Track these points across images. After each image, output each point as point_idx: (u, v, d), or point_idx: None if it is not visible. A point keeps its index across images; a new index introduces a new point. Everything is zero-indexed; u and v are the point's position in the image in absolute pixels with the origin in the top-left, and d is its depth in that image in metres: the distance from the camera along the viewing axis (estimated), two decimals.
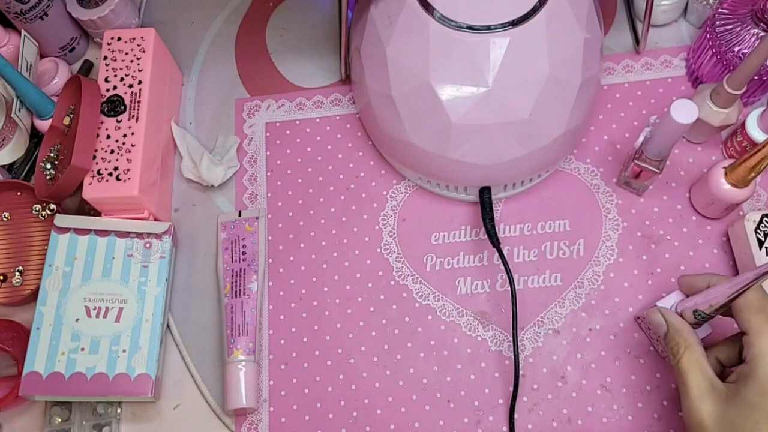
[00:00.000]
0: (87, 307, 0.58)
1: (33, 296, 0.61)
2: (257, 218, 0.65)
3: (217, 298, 0.64)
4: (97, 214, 0.63)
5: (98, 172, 0.60)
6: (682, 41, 0.70)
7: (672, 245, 0.62)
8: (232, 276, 0.62)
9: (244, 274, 0.62)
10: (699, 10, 0.68)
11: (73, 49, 0.73)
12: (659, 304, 0.54)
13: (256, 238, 0.64)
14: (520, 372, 0.59)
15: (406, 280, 0.63)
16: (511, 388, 0.58)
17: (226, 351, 0.59)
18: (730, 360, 0.50)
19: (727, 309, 0.49)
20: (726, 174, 0.58)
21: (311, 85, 0.72)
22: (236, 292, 0.61)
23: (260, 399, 0.60)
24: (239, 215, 0.65)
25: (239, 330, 0.60)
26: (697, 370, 0.48)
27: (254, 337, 0.60)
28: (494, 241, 0.59)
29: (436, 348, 0.61)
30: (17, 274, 0.63)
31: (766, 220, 0.57)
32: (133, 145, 0.61)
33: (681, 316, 0.52)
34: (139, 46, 0.65)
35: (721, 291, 0.48)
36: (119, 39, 0.65)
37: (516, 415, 0.58)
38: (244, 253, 0.63)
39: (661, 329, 0.52)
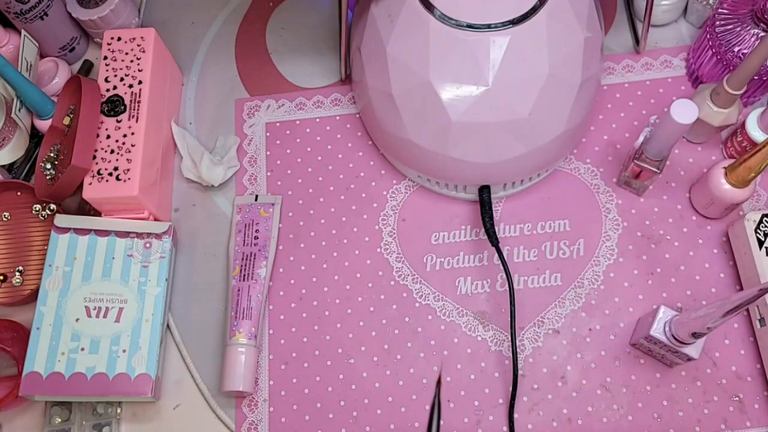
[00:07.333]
0: (87, 307, 0.58)
1: (33, 296, 0.61)
2: (273, 204, 0.65)
3: (218, 298, 0.64)
4: (97, 214, 0.63)
5: (98, 172, 0.60)
6: (682, 41, 0.70)
7: (672, 245, 0.62)
8: (242, 259, 0.63)
9: (254, 258, 0.62)
10: (699, 10, 0.68)
11: (73, 49, 0.73)
12: (652, 332, 0.54)
13: (270, 224, 0.64)
14: (520, 372, 0.59)
15: (406, 280, 0.63)
16: (511, 388, 0.58)
17: (228, 333, 0.60)
18: None
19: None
20: (726, 174, 0.58)
21: (311, 85, 0.72)
22: (244, 275, 0.62)
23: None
24: (255, 199, 0.66)
25: (243, 313, 0.60)
26: None
27: (257, 323, 0.60)
28: (493, 240, 0.59)
29: (436, 348, 0.61)
30: (17, 274, 0.63)
31: (766, 220, 0.57)
32: (133, 145, 0.61)
33: (675, 335, 0.52)
34: (139, 46, 0.65)
35: (716, 310, 0.47)
36: (119, 39, 0.65)
37: (516, 415, 0.58)
38: (256, 237, 0.64)
39: None
